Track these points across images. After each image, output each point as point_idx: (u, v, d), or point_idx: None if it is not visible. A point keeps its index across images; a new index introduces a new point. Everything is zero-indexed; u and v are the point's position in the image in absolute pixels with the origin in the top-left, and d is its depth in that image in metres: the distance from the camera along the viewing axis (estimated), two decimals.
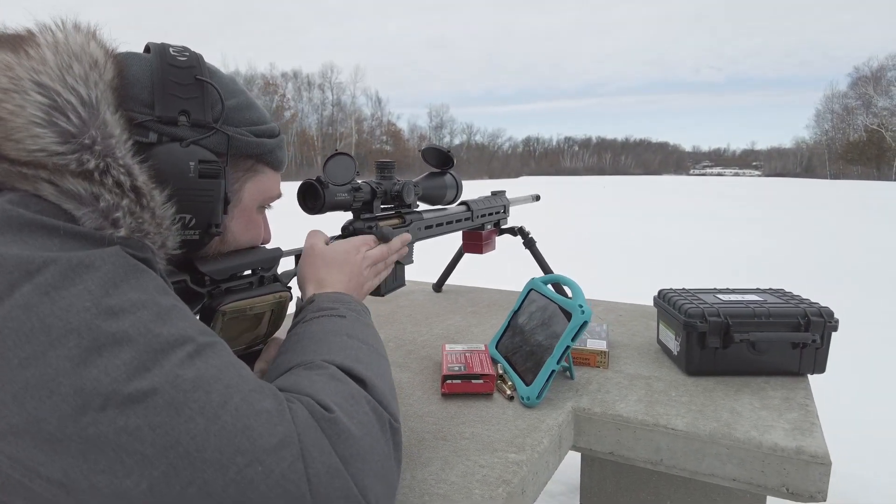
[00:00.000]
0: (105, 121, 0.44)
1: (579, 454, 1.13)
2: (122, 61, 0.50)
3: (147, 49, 0.54)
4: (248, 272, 0.67)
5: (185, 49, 0.54)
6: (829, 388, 2.10)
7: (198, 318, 0.60)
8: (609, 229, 8.25)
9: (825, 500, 0.66)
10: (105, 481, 0.34)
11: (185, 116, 0.51)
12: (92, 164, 0.42)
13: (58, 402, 0.34)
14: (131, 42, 0.54)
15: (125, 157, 0.45)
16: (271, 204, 0.67)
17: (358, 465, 0.41)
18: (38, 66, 0.42)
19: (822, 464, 0.65)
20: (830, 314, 0.86)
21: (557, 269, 1.19)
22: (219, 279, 0.63)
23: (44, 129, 0.41)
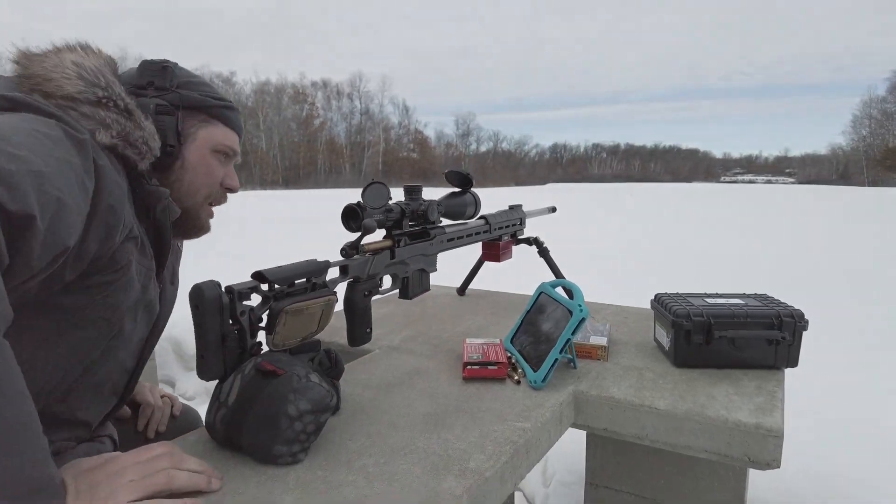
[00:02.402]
0: (108, 77, 0.72)
1: (586, 449, 1.27)
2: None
3: None
4: (304, 280, 0.84)
5: (165, 60, 0.83)
6: (838, 382, 2.22)
7: (265, 316, 0.77)
8: (631, 237, 8.29)
9: (779, 467, 0.79)
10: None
11: (151, 85, 0.80)
12: (101, 94, 0.70)
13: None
14: (166, 51, 0.80)
15: (121, 93, 0.72)
16: (231, 154, 0.89)
17: None
18: (77, 59, 0.71)
19: (776, 436, 0.78)
20: (801, 315, 0.99)
21: (578, 276, 1.33)
22: (281, 285, 0.79)
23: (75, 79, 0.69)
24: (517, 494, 1.78)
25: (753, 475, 1.38)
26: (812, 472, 1.48)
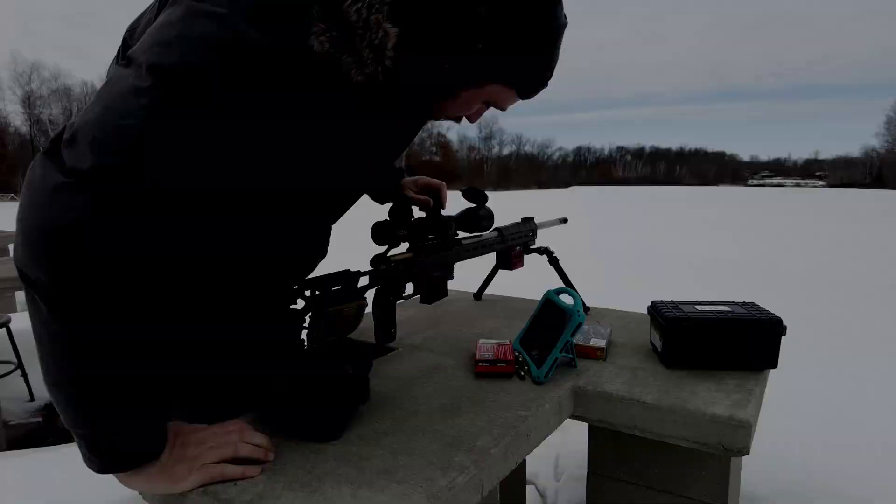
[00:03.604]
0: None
1: (588, 441, 1.39)
2: None
3: None
4: (340, 287, 0.98)
5: None
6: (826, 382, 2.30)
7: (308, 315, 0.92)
8: (647, 241, 8.33)
9: (748, 454, 0.91)
10: None
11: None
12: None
13: None
14: None
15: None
16: (497, 109, 0.86)
17: None
18: None
19: (746, 427, 0.90)
20: (779, 322, 1.10)
21: (589, 281, 1.43)
22: (322, 292, 0.94)
23: None
24: (529, 488, 1.90)
25: (747, 469, 1.48)
26: (803, 465, 1.58)
